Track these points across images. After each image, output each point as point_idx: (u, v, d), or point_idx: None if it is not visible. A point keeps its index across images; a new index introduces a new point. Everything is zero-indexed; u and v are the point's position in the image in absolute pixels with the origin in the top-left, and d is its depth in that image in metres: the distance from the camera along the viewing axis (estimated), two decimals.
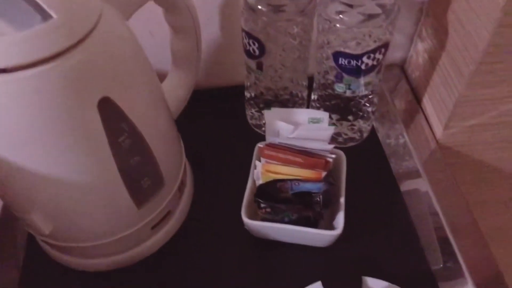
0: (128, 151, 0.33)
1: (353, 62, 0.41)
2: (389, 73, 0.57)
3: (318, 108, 0.49)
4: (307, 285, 0.39)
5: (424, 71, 0.52)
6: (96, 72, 0.30)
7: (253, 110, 0.52)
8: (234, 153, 0.50)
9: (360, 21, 0.39)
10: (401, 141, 0.51)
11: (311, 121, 0.43)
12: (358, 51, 0.40)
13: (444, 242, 0.43)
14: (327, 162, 0.40)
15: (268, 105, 0.50)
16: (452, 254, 0.42)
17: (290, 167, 0.41)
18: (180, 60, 0.46)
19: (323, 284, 0.39)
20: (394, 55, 0.57)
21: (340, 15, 0.39)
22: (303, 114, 0.44)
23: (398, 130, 0.52)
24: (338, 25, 0.40)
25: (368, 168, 0.49)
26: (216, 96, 0.57)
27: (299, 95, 0.50)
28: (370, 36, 0.39)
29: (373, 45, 0.40)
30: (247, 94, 0.52)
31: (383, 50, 0.41)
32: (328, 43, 0.42)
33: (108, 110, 0.31)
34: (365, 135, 0.51)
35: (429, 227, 0.44)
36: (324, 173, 0.39)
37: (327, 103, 0.48)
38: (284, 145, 0.42)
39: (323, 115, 0.43)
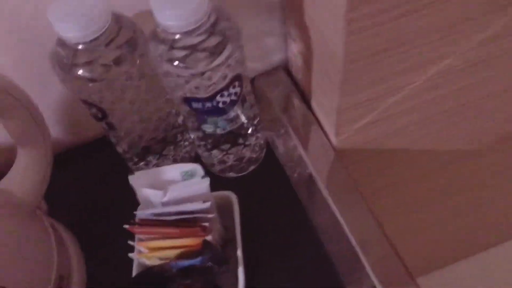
0: None
1: (208, 104, 0.36)
2: (274, 77, 0.52)
3: (204, 147, 0.44)
4: None
5: (304, 75, 0.47)
6: None
7: (131, 164, 0.46)
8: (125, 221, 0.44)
9: (192, 68, 0.33)
10: (299, 153, 0.47)
11: (186, 176, 0.39)
12: (207, 94, 0.35)
13: (352, 254, 0.40)
14: (203, 228, 0.35)
15: (147, 152, 0.44)
16: (360, 265, 0.39)
17: (170, 240, 0.36)
18: (23, 139, 0.40)
19: None
20: (273, 58, 0.51)
21: (170, 65, 0.33)
22: (174, 171, 0.38)
23: (294, 144, 0.48)
24: (171, 76, 0.34)
25: (270, 193, 0.45)
26: (93, 152, 0.51)
27: (178, 136, 0.45)
28: (212, 77, 0.34)
29: (221, 84, 0.35)
30: (119, 150, 0.45)
31: (236, 83, 0.36)
32: (173, 91, 0.36)
33: None
34: (261, 156, 0.47)
35: (339, 242, 0.42)
36: (203, 240, 0.35)
37: (207, 141, 0.43)
38: (156, 216, 0.37)
39: (195, 167, 0.38)
